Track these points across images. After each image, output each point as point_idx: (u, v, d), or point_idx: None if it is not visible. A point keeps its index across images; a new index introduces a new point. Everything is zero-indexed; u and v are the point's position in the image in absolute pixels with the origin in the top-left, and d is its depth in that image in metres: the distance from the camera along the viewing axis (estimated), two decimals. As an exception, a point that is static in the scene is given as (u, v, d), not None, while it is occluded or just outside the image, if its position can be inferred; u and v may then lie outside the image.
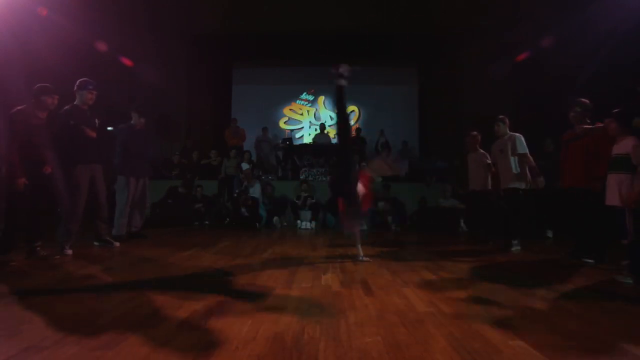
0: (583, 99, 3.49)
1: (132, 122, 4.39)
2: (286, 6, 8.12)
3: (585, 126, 3.43)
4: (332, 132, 10.33)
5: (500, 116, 4.23)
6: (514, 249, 3.89)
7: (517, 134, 4.05)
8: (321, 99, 10.50)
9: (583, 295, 2.16)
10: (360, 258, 3.19)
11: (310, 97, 10.53)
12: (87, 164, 3.59)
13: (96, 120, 3.72)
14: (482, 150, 4.71)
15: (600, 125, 3.32)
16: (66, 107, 3.57)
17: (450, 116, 8.91)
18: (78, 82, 3.62)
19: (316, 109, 10.51)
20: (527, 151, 3.97)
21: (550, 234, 5.27)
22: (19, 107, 3.06)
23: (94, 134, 3.61)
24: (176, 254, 3.40)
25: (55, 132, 3.33)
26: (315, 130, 10.07)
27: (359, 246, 3.29)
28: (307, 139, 9.85)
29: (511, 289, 2.25)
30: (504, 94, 8.11)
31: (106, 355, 1.26)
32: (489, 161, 4.58)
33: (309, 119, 10.42)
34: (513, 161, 3.99)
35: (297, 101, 10.54)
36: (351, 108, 10.41)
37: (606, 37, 5.38)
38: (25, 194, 2.97)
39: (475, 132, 4.83)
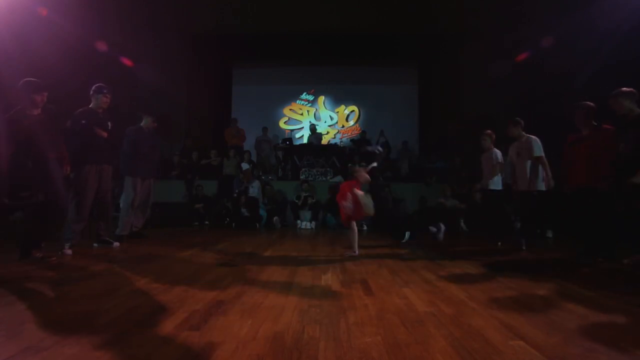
0: (587, 102, 3.50)
1: (141, 124, 4.44)
2: (286, 6, 8.13)
3: (591, 128, 3.45)
4: (332, 133, 10.36)
5: (516, 118, 4.17)
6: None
7: (534, 137, 4.01)
8: (321, 99, 10.51)
9: (583, 294, 2.16)
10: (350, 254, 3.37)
11: (310, 97, 10.54)
12: (96, 164, 3.65)
13: (109, 123, 3.82)
14: (496, 149, 4.69)
15: (607, 127, 3.33)
16: (81, 109, 3.70)
17: (450, 116, 8.91)
18: (94, 86, 3.75)
19: (316, 109, 10.51)
20: (543, 154, 3.95)
21: (550, 234, 5.28)
22: (13, 110, 2.99)
23: (105, 134, 3.72)
24: (176, 254, 3.40)
25: (51, 127, 3.23)
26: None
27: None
28: (307, 139, 9.87)
29: (511, 289, 2.25)
30: (504, 94, 8.12)
31: (106, 355, 1.26)
32: (501, 160, 4.56)
33: (309, 119, 10.42)
34: (529, 164, 3.98)
35: (297, 101, 10.54)
36: (351, 108, 10.43)
37: (606, 37, 5.39)
38: (26, 199, 2.93)
39: (490, 131, 4.78)
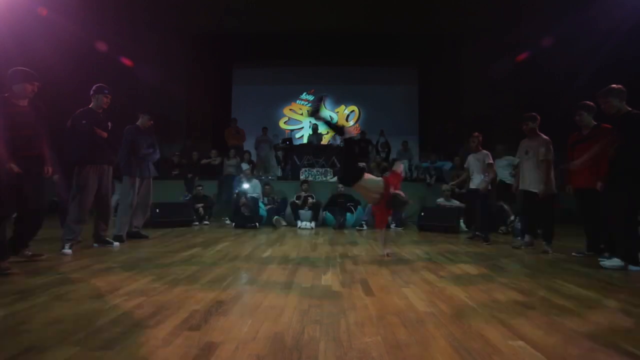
0: (588, 102, 3.49)
1: (137, 123, 4.44)
2: (286, 6, 8.13)
3: (592, 128, 3.45)
4: (332, 133, 10.36)
5: (532, 114, 4.02)
6: (550, 252, 3.77)
7: (548, 138, 3.89)
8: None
9: (583, 294, 2.16)
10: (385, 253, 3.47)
11: (310, 97, 10.54)
12: (96, 165, 3.65)
13: (109, 123, 3.81)
14: (484, 151, 4.72)
15: (607, 126, 3.33)
16: (81, 109, 3.68)
17: (451, 116, 8.91)
18: (95, 87, 3.73)
19: (316, 109, 10.51)
20: (551, 158, 3.85)
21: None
22: None
23: (105, 134, 3.71)
24: (176, 254, 3.40)
25: (45, 120, 3.07)
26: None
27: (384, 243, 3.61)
28: (307, 139, 9.87)
29: (511, 289, 2.25)
30: (504, 94, 8.12)
31: (106, 355, 1.26)
32: (491, 161, 4.59)
33: (309, 119, 10.42)
34: (537, 164, 3.89)
35: (297, 101, 10.54)
36: (351, 108, 10.44)
37: (606, 36, 5.39)
38: (16, 193, 2.73)
39: (477, 133, 4.83)
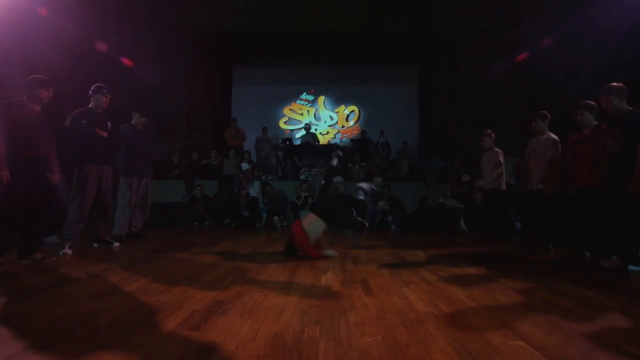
0: (590, 102, 3.48)
1: (132, 122, 4.42)
2: (286, 6, 8.13)
3: (593, 128, 3.45)
4: (332, 133, 10.36)
5: (542, 112, 4.00)
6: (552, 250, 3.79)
7: (556, 138, 3.86)
8: (321, 99, 10.50)
9: (583, 294, 2.16)
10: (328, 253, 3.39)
11: (310, 97, 10.53)
12: (96, 164, 3.64)
13: (108, 123, 3.81)
14: (496, 148, 4.69)
15: (606, 126, 3.32)
16: (80, 109, 3.71)
17: (451, 116, 8.91)
18: (93, 86, 3.74)
19: (316, 109, 10.51)
20: (559, 157, 3.83)
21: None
22: (10, 100, 2.95)
23: (105, 134, 3.72)
24: (176, 254, 3.40)
25: (53, 125, 3.22)
26: (315, 129, 10.09)
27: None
28: (302, 140, 9.86)
29: (511, 289, 2.25)
30: (504, 94, 8.12)
31: (106, 355, 1.26)
32: (502, 159, 4.56)
33: (309, 119, 10.42)
34: (543, 163, 3.86)
35: (297, 101, 10.54)
36: (351, 108, 10.44)
37: (607, 36, 5.39)
38: (21, 193, 2.81)
39: (489, 130, 4.77)
